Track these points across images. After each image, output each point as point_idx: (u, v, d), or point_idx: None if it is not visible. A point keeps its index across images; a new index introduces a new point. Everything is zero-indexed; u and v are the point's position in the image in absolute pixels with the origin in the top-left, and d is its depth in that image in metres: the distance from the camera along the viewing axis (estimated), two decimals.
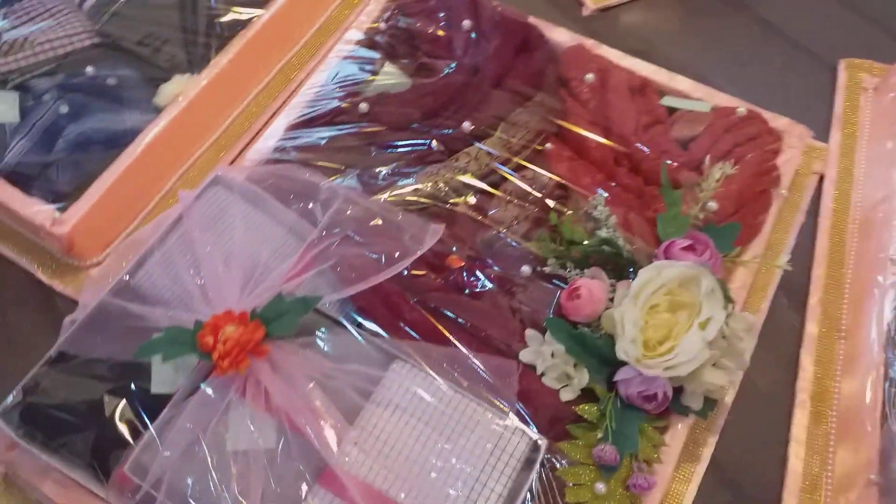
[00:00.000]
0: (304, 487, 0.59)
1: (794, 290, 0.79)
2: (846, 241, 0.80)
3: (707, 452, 0.70)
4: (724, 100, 0.82)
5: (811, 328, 0.76)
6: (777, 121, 0.81)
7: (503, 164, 0.74)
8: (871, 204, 0.80)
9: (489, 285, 0.67)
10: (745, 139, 0.76)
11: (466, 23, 0.82)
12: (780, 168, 0.77)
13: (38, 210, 0.76)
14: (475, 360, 0.62)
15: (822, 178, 0.85)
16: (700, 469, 0.69)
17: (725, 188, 0.72)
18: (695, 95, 0.82)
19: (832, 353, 0.74)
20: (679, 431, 0.64)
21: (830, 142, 0.88)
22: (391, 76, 0.79)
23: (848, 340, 0.74)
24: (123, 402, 0.62)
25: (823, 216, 0.82)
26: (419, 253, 0.65)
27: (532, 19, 0.88)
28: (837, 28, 0.99)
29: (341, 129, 0.76)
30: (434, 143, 0.73)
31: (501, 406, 0.60)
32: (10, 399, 0.62)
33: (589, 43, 0.86)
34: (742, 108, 0.80)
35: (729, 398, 0.72)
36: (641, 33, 0.98)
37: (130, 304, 0.63)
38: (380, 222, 0.68)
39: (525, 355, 0.65)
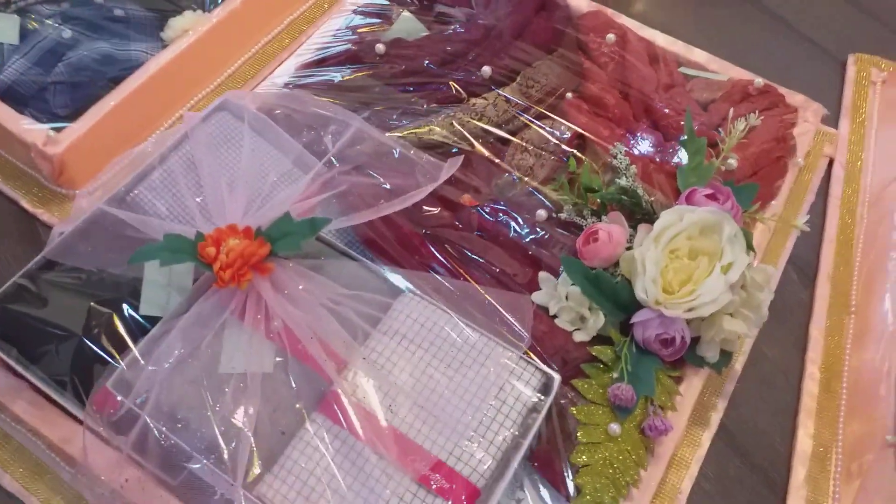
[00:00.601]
0: (303, 414, 0.55)
1: (803, 266, 0.78)
2: (856, 222, 0.80)
3: (716, 418, 0.67)
4: (739, 73, 0.82)
5: (821, 303, 0.74)
6: (793, 97, 0.81)
7: (522, 111, 0.72)
8: (881, 185, 0.80)
9: (502, 227, 0.65)
10: (763, 107, 0.76)
11: None
12: (795, 139, 0.77)
13: (30, 128, 0.72)
14: (488, 295, 0.59)
15: (831, 162, 0.85)
16: (709, 434, 0.66)
17: (744, 152, 0.72)
18: (711, 67, 0.82)
19: (842, 328, 0.73)
20: (693, 385, 0.62)
21: (840, 128, 0.88)
22: (409, 21, 0.78)
23: (858, 316, 0.73)
24: (112, 315, 0.58)
25: (833, 196, 0.82)
26: (434, 185, 0.63)
27: None
28: (847, 25, 1.00)
29: (356, 69, 0.74)
30: (452, 84, 0.71)
31: (515, 341, 0.58)
32: None
33: (609, 11, 0.85)
34: (759, 79, 0.79)
35: (739, 365, 0.70)
36: (655, 19, 0.98)
37: (128, 214, 0.60)
38: (395, 155, 0.66)
39: (538, 297, 0.62)
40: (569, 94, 0.74)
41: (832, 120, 0.88)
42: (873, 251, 0.76)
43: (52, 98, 0.76)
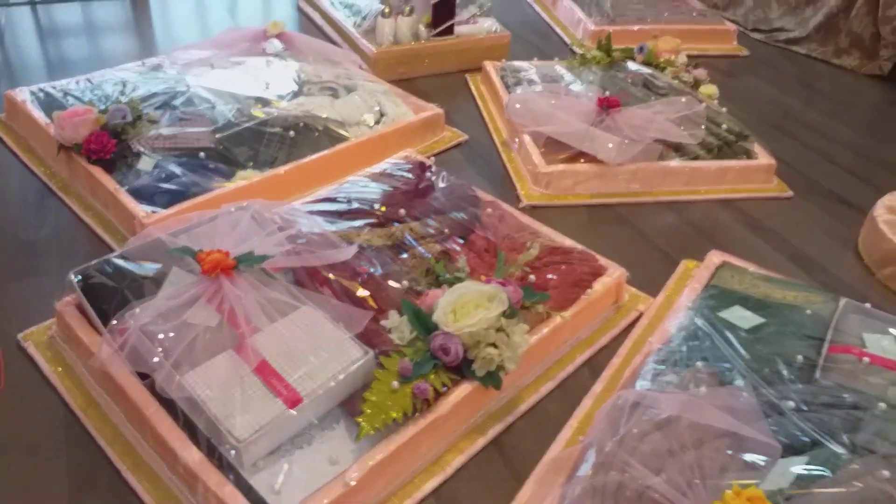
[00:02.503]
0: (225, 348, 0.95)
1: (595, 369, 1.12)
2: (634, 359, 1.13)
3: (493, 433, 1.00)
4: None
5: (597, 387, 1.07)
6: (606, 262, 1.22)
7: (414, 239, 1.18)
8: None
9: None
10: (575, 262, 1.17)
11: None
12: (595, 283, 1.16)
13: (134, 206, 1.26)
14: (347, 309, 1.00)
15: (640, 316, 1.22)
16: (483, 440, 0.99)
17: (551, 281, 1.12)
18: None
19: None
20: (464, 387, 0.97)
21: (657, 298, 1.26)
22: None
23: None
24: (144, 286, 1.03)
25: (630, 337, 1.18)
26: (341, 258, 1.08)
27: (480, 193, 1.38)
28: (683, 240, 1.43)
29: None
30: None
31: (353, 330, 0.97)
32: (83, 268, 1.05)
33: (502, 203, 1.34)
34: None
35: (525, 406, 1.03)
36: (554, 224, 1.45)
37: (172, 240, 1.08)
38: (326, 239, 1.12)
39: (387, 322, 1.02)
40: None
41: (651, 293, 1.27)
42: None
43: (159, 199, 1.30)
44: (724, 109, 1.73)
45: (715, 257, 1.29)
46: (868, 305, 1.14)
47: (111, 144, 1.37)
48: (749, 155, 1.61)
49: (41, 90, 1.60)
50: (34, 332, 1.11)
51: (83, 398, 1.01)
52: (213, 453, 0.88)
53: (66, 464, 0.93)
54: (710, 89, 1.79)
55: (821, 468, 0.82)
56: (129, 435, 0.96)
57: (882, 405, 0.92)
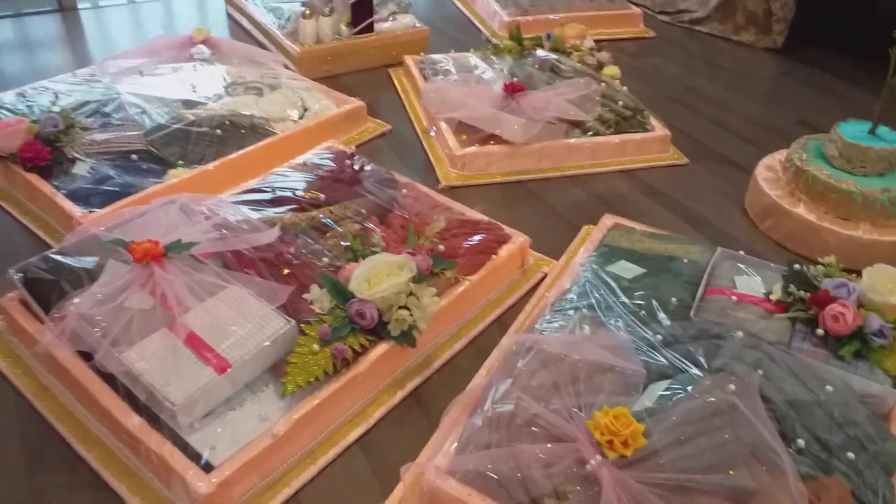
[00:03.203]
0: (159, 327, 1.05)
1: (504, 325, 1.25)
2: (534, 313, 1.26)
3: (411, 386, 1.12)
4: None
5: (504, 340, 1.20)
6: (511, 231, 1.35)
7: (334, 221, 1.29)
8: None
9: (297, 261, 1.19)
10: (482, 229, 1.30)
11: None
12: (500, 250, 1.29)
13: (71, 207, 1.34)
14: (270, 285, 1.11)
15: (545, 276, 1.36)
16: (402, 394, 1.11)
17: (460, 249, 1.25)
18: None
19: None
20: (380, 346, 1.08)
21: (560, 260, 1.39)
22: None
23: None
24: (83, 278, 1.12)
25: (536, 295, 1.31)
26: (264, 241, 1.18)
27: (398, 176, 1.49)
28: (587, 209, 1.57)
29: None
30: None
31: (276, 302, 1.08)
32: (23, 265, 1.13)
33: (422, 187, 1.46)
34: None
35: (440, 362, 1.16)
36: (470, 202, 1.58)
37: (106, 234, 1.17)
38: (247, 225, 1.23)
39: (309, 295, 1.13)
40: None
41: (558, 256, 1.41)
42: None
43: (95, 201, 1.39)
44: (624, 88, 1.88)
45: (608, 220, 1.43)
46: (741, 253, 1.29)
47: (45, 152, 1.45)
48: (645, 128, 1.76)
49: None
50: None
51: (33, 384, 1.10)
52: (154, 421, 0.98)
53: (19, 442, 1.02)
54: (612, 70, 1.94)
55: (680, 387, 0.96)
56: (76, 412, 1.05)
57: (739, 333, 1.07)
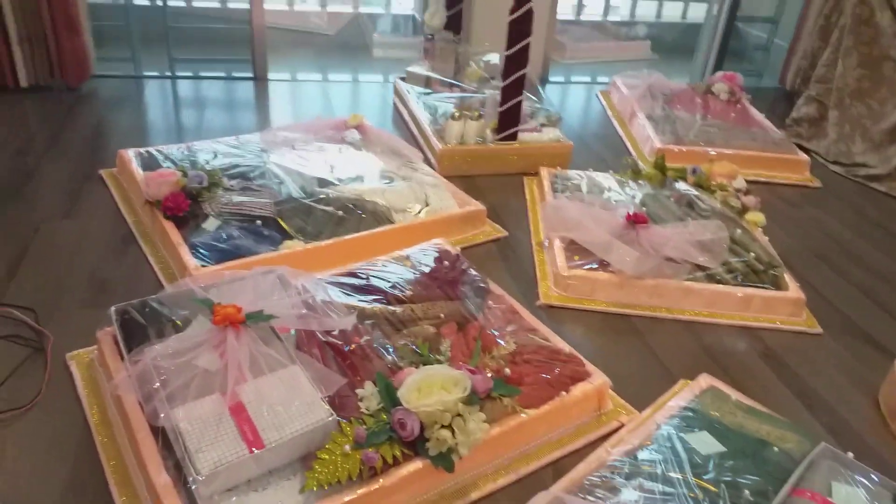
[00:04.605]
0: (214, 391, 1.09)
1: (560, 471, 1.16)
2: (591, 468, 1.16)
3: None
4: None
5: (553, 488, 1.11)
6: (592, 368, 1.27)
7: (412, 319, 1.29)
8: None
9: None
10: (560, 360, 1.23)
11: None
12: (573, 387, 1.21)
13: (189, 258, 1.45)
14: (327, 373, 1.12)
15: (621, 426, 1.25)
16: None
17: (529, 377, 1.19)
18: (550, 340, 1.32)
19: None
20: (415, 462, 1.04)
21: (643, 412, 1.28)
22: None
23: None
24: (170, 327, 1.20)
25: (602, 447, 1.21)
26: (339, 327, 1.20)
27: (493, 286, 1.48)
28: (691, 360, 1.44)
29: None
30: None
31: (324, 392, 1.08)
32: (124, 305, 1.23)
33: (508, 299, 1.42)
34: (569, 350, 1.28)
35: (478, 494, 1.09)
36: (566, 326, 1.51)
37: (200, 291, 1.25)
38: (330, 307, 1.25)
39: (361, 391, 1.12)
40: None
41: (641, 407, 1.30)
42: None
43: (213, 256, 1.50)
44: (766, 238, 1.74)
45: (703, 380, 1.30)
46: (850, 455, 1.12)
47: (185, 204, 1.60)
48: (779, 285, 1.61)
49: (147, 151, 1.88)
50: (79, 354, 1.30)
51: (100, 415, 1.18)
52: (185, 482, 1.00)
53: (70, 467, 1.09)
54: (756, 217, 1.81)
55: None
56: (125, 455, 1.10)
57: None
